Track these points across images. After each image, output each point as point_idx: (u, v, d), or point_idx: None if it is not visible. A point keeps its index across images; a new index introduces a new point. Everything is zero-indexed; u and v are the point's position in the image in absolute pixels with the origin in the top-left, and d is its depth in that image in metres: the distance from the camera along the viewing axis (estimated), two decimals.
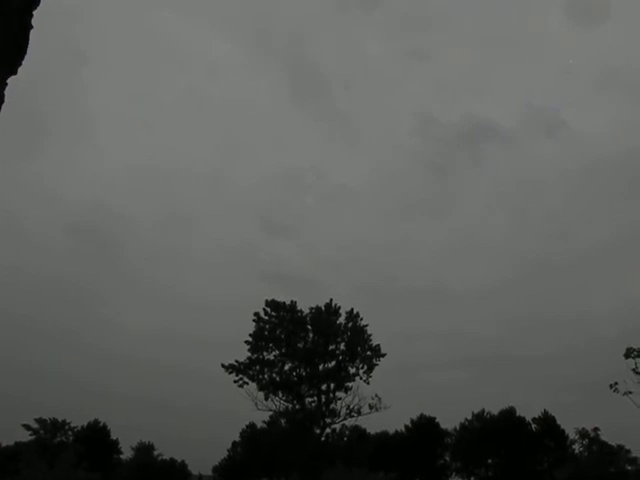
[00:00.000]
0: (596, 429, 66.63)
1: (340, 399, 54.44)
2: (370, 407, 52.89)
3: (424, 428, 75.98)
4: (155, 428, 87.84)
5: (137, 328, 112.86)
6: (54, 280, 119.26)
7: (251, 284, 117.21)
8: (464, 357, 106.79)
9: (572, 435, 69.94)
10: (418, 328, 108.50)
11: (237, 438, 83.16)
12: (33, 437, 65.99)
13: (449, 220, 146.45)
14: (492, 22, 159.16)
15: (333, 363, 55.77)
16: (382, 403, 52.92)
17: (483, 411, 75.53)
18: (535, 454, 70.77)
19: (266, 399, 53.54)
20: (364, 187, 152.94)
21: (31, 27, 3.10)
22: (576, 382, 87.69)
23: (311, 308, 57.07)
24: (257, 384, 53.65)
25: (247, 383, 53.47)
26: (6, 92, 3.08)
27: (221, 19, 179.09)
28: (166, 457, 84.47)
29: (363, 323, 56.57)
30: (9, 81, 3.14)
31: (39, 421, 66.87)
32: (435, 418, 77.12)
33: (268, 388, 53.74)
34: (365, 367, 54.96)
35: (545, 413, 72.77)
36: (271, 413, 57.01)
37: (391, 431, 78.80)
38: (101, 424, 75.62)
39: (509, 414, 73.31)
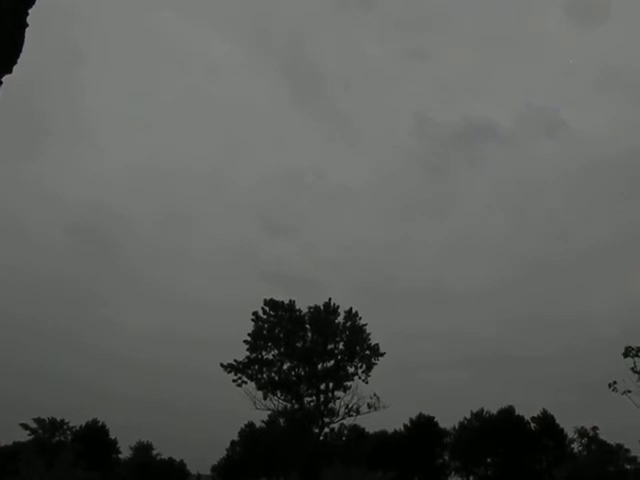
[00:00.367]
0: (595, 428, 66.72)
1: (339, 398, 54.54)
2: (369, 406, 52.99)
3: (423, 427, 75.99)
4: (155, 428, 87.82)
5: (137, 328, 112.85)
6: (54, 280, 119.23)
7: (251, 284, 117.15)
8: (464, 357, 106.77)
9: (571, 434, 70.06)
10: (418, 328, 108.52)
11: (236, 438, 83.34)
12: (32, 437, 65.97)
13: (449, 220, 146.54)
14: (492, 22, 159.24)
15: (332, 362, 55.79)
16: (381, 402, 53.03)
17: (482, 410, 75.59)
18: (534, 453, 70.81)
19: (265, 398, 53.60)
20: (364, 187, 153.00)
21: (26, 25, 3.07)
22: (576, 382, 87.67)
23: (310, 307, 57.09)
24: (256, 383, 53.68)
25: (246, 382, 53.54)
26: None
27: (221, 19, 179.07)
28: (165, 457, 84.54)
29: (362, 322, 56.64)
30: (5, 80, 3.11)
31: (37, 421, 66.84)
32: (434, 417, 77.19)
33: (267, 387, 53.74)
34: (364, 366, 55.00)
35: (544, 412, 72.81)
36: (270, 412, 57.13)
37: (390, 430, 78.95)
38: (100, 424, 75.56)
39: (508, 413, 73.33)
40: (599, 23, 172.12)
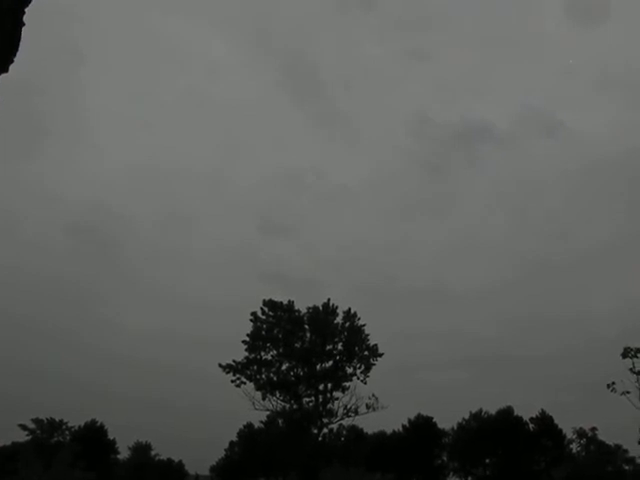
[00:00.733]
0: (594, 429, 66.73)
1: (337, 399, 54.53)
2: (367, 407, 52.95)
3: (421, 428, 75.97)
4: (155, 428, 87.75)
5: (137, 328, 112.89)
6: (54, 280, 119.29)
7: (251, 284, 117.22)
8: (464, 357, 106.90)
9: (570, 435, 70.06)
10: (418, 328, 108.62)
11: (235, 438, 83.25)
12: (30, 437, 65.89)
13: (449, 220, 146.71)
14: (492, 22, 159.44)
15: (330, 363, 55.78)
16: (379, 403, 52.99)
17: (480, 411, 75.59)
18: (532, 454, 70.80)
19: (263, 399, 53.58)
20: (364, 187, 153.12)
21: (23, 24, 3.08)
22: (576, 382, 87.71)
23: (308, 308, 57.09)
24: (254, 384, 53.65)
25: (244, 383, 53.51)
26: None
27: (221, 19, 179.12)
28: (163, 457, 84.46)
29: (361, 323, 56.64)
30: (3, 79, 3.11)
31: (36, 421, 66.77)
32: (432, 418, 77.16)
33: (265, 388, 53.72)
34: (362, 367, 54.98)
35: (542, 413, 72.83)
36: (268, 413, 57.06)
37: (389, 431, 78.90)
38: (98, 424, 75.48)
39: (506, 414, 73.33)
40: (599, 23, 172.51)
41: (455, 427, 76.60)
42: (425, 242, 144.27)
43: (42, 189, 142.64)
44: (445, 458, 77.34)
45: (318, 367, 55.48)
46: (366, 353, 55.47)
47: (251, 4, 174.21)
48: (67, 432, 70.07)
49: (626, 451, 65.85)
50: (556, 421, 71.83)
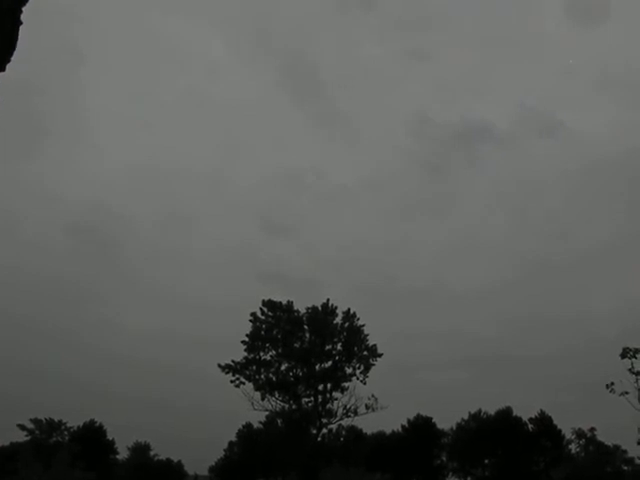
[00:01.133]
0: (592, 429, 66.78)
1: (337, 399, 54.50)
2: (367, 407, 52.93)
3: (421, 428, 75.95)
4: (155, 428, 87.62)
5: (137, 328, 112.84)
6: (54, 280, 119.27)
7: (251, 284, 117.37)
8: (464, 357, 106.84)
9: (569, 435, 70.06)
10: (418, 328, 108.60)
11: (234, 438, 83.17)
12: (29, 438, 65.83)
13: (449, 220, 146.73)
14: (492, 22, 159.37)
15: (330, 363, 55.75)
16: (379, 403, 52.97)
17: (480, 411, 75.57)
18: (531, 454, 70.79)
19: (263, 399, 53.56)
20: (364, 187, 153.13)
21: (21, 23, 3.08)
22: (576, 382, 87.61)
23: (307, 308, 57.06)
24: (254, 384, 53.61)
25: (244, 383, 53.46)
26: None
27: (221, 19, 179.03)
28: (163, 457, 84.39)
29: (360, 323, 56.60)
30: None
31: (34, 421, 66.72)
32: (432, 418, 77.14)
33: (264, 388, 53.68)
34: (362, 367, 54.96)
35: (542, 413, 72.81)
36: (268, 413, 57.01)
37: (389, 431, 78.85)
38: (97, 424, 75.40)
39: (506, 414, 73.31)
40: (599, 23, 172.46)
41: (454, 427, 76.66)
42: (425, 242, 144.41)
43: (42, 189, 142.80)
44: (444, 458, 77.32)
45: (317, 367, 55.46)
46: (365, 353, 55.46)
47: (251, 4, 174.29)
48: (66, 432, 70.03)
49: (625, 452, 65.89)
50: (556, 421, 71.89)
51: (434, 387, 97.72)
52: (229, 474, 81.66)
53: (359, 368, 55.02)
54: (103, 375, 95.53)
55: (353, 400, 53.34)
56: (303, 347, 55.54)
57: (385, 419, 74.41)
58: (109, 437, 76.55)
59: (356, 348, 55.60)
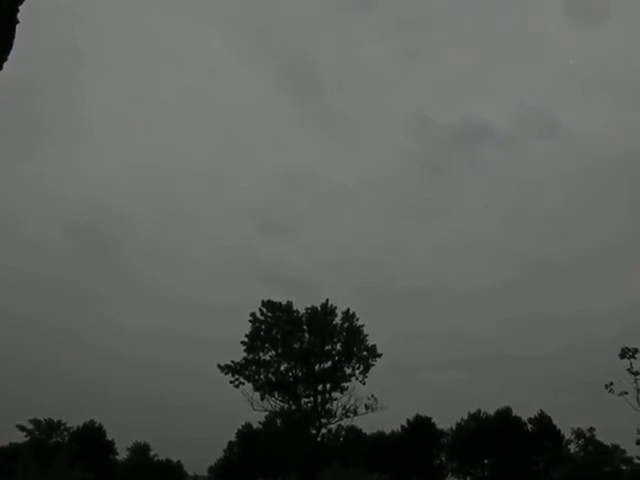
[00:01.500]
0: (591, 429, 66.84)
1: (336, 399, 54.43)
2: (366, 407, 52.86)
3: (420, 428, 75.92)
4: (155, 428, 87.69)
5: (137, 328, 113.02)
6: (54, 280, 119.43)
7: (251, 284, 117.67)
8: (464, 357, 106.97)
9: (568, 435, 70.09)
10: (418, 328, 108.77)
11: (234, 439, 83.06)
12: (28, 438, 65.75)
13: (449, 220, 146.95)
14: (492, 22, 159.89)
15: (329, 363, 55.71)
16: (378, 403, 52.91)
17: (479, 411, 75.55)
18: (531, 454, 70.78)
19: (262, 399, 53.49)
20: (364, 187, 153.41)
21: (17, 22, 3.08)
22: (576, 382, 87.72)
23: (307, 308, 57.02)
24: (253, 384, 53.55)
25: (243, 383, 53.40)
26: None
27: (221, 19, 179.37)
28: (162, 458, 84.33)
29: (360, 323, 56.55)
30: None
31: (34, 422, 66.64)
32: (431, 418, 77.11)
33: (264, 388, 53.64)
34: (361, 367, 54.91)
35: (541, 413, 72.79)
36: (267, 413, 56.96)
37: (389, 431, 78.82)
38: (97, 425, 75.35)
39: (505, 414, 73.30)
40: (599, 23, 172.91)
41: (454, 427, 76.64)
42: (425, 242, 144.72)
43: (42, 189, 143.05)
44: (444, 458, 77.31)
45: (317, 367, 55.42)
46: (365, 353, 55.41)
47: (251, 4, 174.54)
48: (65, 433, 69.98)
49: (624, 451, 65.94)
50: (556, 421, 71.89)
51: (434, 387, 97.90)
52: (229, 474, 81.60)
53: (358, 368, 55.00)
54: (103, 375, 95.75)
55: (352, 400, 53.35)
56: (302, 347, 55.51)
57: (385, 419, 74.41)
58: (109, 437, 76.61)
59: (355, 348, 55.56)
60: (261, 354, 55.09)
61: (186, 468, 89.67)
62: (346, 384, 54.43)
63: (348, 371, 55.16)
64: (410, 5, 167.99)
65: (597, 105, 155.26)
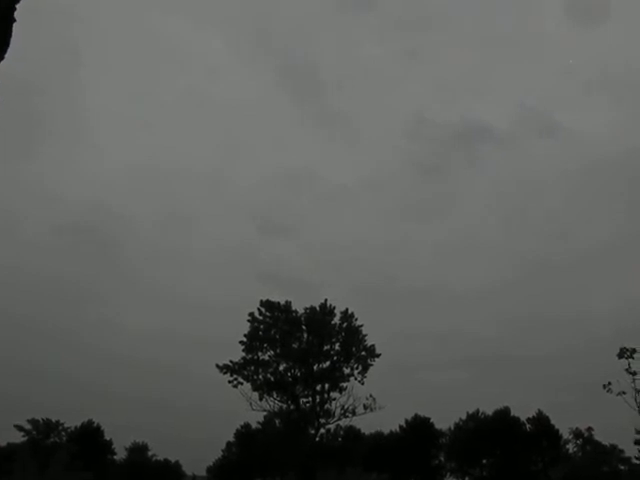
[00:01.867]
0: (590, 429, 66.89)
1: (334, 399, 54.40)
2: (365, 407, 52.85)
3: (419, 428, 75.93)
4: (155, 428, 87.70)
5: (137, 328, 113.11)
6: (54, 280, 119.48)
7: (251, 284, 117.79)
8: (464, 357, 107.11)
9: (566, 435, 70.12)
10: (418, 328, 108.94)
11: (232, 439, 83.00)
12: (26, 438, 65.62)
13: (449, 220, 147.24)
14: (492, 22, 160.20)
15: (328, 363, 55.68)
16: (377, 403, 52.89)
17: (477, 411, 75.58)
18: (529, 454, 70.80)
19: (260, 399, 53.44)
20: (364, 187, 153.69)
21: (14, 21, 3.08)
22: (576, 382, 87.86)
23: (306, 308, 57.00)
24: (251, 384, 53.51)
25: (241, 383, 53.36)
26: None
27: (221, 19, 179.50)
28: (160, 458, 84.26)
29: (359, 323, 56.54)
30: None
31: (32, 422, 66.52)
32: (430, 418, 77.14)
33: (262, 388, 53.60)
34: (360, 367, 54.90)
35: (539, 413, 72.83)
36: (266, 413, 56.94)
37: (387, 431, 78.79)
38: (95, 424, 75.25)
39: (503, 414, 73.33)
40: (599, 23, 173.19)
41: (452, 427, 76.66)
42: (425, 242, 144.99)
43: (42, 189, 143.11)
44: (442, 458, 77.32)
45: (315, 367, 55.40)
46: (363, 353, 55.39)
47: (251, 4, 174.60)
48: (63, 433, 69.86)
49: (622, 451, 65.99)
50: (556, 421, 71.86)
51: (434, 387, 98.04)
52: (227, 474, 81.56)
53: (357, 368, 54.98)
54: (103, 375, 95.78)
55: (351, 400, 53.31)
56: (301, 347, 55.48)
57: (384, 419, 74.60)
58: (108, 437, 76.50)
59: (354, 348, 55.54)
60: (260, 354, 55.08)
61: (185, 468, 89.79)
62: (345, 384, 54.45)
63: (347, 371, 55.17)
64: (410, 5, 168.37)
65: (597, 105, 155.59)
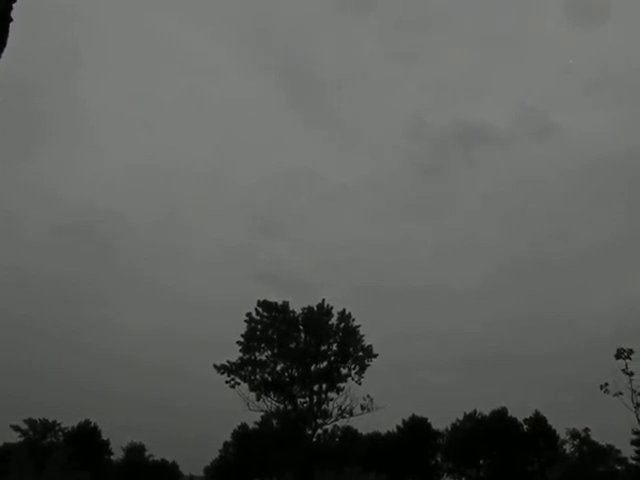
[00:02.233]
0: (586, 429, 66.99)
1: (332, 400, 54.37)
2: (362, 408, 52.83)
3: (416, 429, 75.95)
4: (154, 428, 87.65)
5: (137, 328, 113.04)
6: (54, 280, 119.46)
7: (251, 284, 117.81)
8: (464, 357, 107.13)
9: (563, 435, 70.21)
10: (418, 328, 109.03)
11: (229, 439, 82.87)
12: (22, 438, 65.45)
13: (449, 220, 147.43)
14: (492, 22, 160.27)
15: (325, 364, 55.65)
16: (374, 404, 52.87)
17: (475, 412, 75.62)
18: (526, 454, 70.86)
19: (258, 400, 53.36)
20: (364, 187, 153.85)
21: (11, 20, 3.07)
22: (576, 382, 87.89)
23: (303, 308, 56.95)
24: (249, 385, 53.43)
25: (239, 384, 53.29)
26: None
27: (221, 19, 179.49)
28: (161, 458, 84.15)
29: (356, 323, 56.50)
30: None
31: (29, 422, 66.35)
32: (427, 419, 77.16)
33: (260, 389, 53.54)
34: (357, 368, 54.86)
35: (536, 413, 72.92)
36: (263, 414, 56.89)
37: (385, 432, 78.73)
38: (92, 424, 75.06)
39: (501, 415, 73.39)
40: (599, 23, 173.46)
41: (449, 428, 76.67)
42: (425, 242, 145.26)
43: (42, 189, 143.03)
44: (439, 459, 77.35)
45: (313, 368, 55.35)
46: (361, 354, 55.36)
47: (251, 4, 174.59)
48: (60, 433, 69.70)
49: (619, 451, 66.14)
50: (556, 421, 71.94)
51: (434, 387, 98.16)
52: (224, 475, 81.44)
53: (354, 369, 54.93)
54: (103, 375, 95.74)
55: (348, 401, 53.28)
56: (298, 347, 55.44)
57: (383, 419, 74.55)
58: (105, 437, 76.34)
59: (351, 349, 55.51)
60: (257, 354, 55.00)
61: (183, 468, 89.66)
62: (342, 384, 54.41)
63: (344, 371, 55.12)
64: (410, 5, 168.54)
65: (597, 105, 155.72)
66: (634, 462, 59.04)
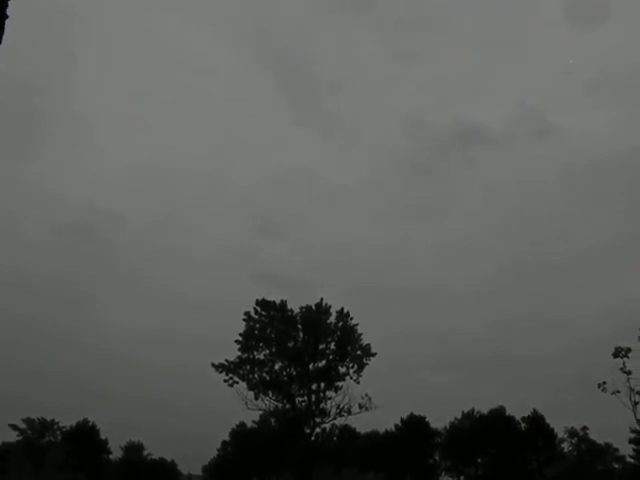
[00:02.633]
0: (585, 428, 67.08)
1: (330, 399, 54.39)
2: (360, 407, 52.86)
3: (414, 427, 75.99)
4: (154, 428, 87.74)
5: (137, 328, 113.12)
6: (54, 280, 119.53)
7: (251, 284, 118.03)
8: (464, 357, 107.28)
9: (561, 434, 70.29)
10: (418, 328, 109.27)
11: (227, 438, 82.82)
12: (20, 437, 65.37)
13: (449, 220, 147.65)
14: (492, 22, 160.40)
15: (323, 362, 55.67)
16: (372, 403, 52.91)
17: (473, 410, 75.69)
18: (524, 453, 70.94)
19: (256, 399, 53.39)
20: (363, 187, 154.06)
21: (7, 17, 3.05)
22: (576, 382, 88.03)
23: (301, 307, 56.96)
24: (247, 383, 53.45)
25: (237, 383, 53.30)
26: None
27: (221, 19, 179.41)
28: (160, 457, 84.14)
29: (354, 323, 56.51)
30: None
31: (27, 421, 66.28)
32: (425, 417, 77.20)
33: (258, 387, 53.55)
34: (355, 367, 54.90)
35: (534, 412, 73.00)
36: (261, 413, 56.89)
37: (383, 430, 78.76)
38: (90, 424, 74.97)
39: (499, 413, 73.45)
40: (599, 23, 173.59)
41: (448, 426, 76.71)
42: (425, 242, 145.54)
43: (42, 189, 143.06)
44: (437, 457, 77.40)
45: (311, 367, 55.37)
46: (359, 353, 55.39)
47: (251, 4, 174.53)
48: (58, 432, 69.63)
49: (617, 450, 66.25)
50: (554, 420, 71.99)
51: (433, 387, 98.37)
52: (223, 474, 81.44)
53: (353, 367, 54.97)
54: (103, 375, 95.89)
55: (347, 400, 53.33)
56: (297, 346, 55.45)
57: (381, 418, 74.61)
58: (104, 436, 76.29)
59: (350, 347, 55.53)
60: (255, 353, 55.01)
61: (181, 467, 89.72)
62: (340, 383, 54.45)
63: (342, 370, 55.16)
64: (410, 5, 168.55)
65: (597, 105, 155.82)
66: (632, 460, 59.17)
